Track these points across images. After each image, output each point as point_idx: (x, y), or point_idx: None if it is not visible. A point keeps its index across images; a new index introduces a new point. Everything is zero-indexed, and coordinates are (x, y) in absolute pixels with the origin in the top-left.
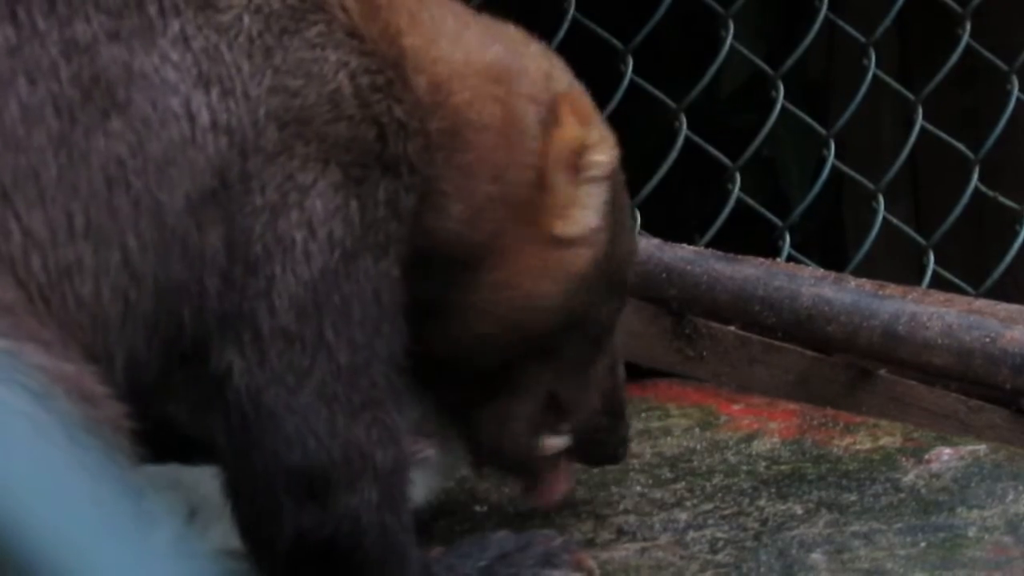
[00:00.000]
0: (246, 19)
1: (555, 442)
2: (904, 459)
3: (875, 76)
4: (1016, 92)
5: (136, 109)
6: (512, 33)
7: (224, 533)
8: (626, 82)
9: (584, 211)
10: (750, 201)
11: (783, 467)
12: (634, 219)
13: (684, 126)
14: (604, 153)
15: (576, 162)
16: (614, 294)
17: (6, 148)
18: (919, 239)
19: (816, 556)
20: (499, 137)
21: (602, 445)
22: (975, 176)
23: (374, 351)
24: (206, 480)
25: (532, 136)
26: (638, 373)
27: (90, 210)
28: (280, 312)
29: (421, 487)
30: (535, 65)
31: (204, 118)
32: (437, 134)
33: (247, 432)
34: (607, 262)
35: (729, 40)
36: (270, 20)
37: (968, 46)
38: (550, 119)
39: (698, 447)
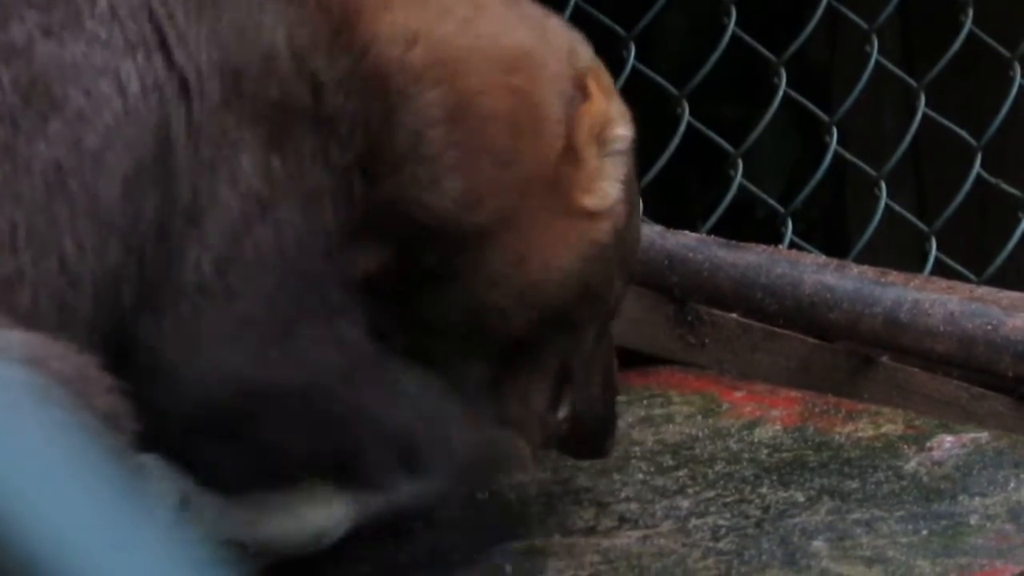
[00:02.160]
0: None
1: (563, 415)
2: (906, 447)
3: (877, 63)
4: (1019, 79)
5: (71, 104)
6: (531, 9)
7: (216, 522)
8: (628, 68)
9: (609, 182)
10: (753, 188)
11: (785, 454)
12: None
13: (687, 113)
14: (626, 126)
15: (602, 135)
16: (624, 271)
17: None
18: (921, 226)
19: (818, 543)
20: (507, 128)
21: (591, 433)
22: (978, 163)
23: (298, 302)
24: None
25: (556, 120)
26: (639, 360)
27: (30, 219)
28: (203, 266)
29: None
30: (558, 43)
31: (135, 86)
32: (434, 107)
33: (153, 383)
34: (624, 236)
35: (731, 27)
36: None
37: (971, 33)
38: (576, 95)
39: (700, 434)
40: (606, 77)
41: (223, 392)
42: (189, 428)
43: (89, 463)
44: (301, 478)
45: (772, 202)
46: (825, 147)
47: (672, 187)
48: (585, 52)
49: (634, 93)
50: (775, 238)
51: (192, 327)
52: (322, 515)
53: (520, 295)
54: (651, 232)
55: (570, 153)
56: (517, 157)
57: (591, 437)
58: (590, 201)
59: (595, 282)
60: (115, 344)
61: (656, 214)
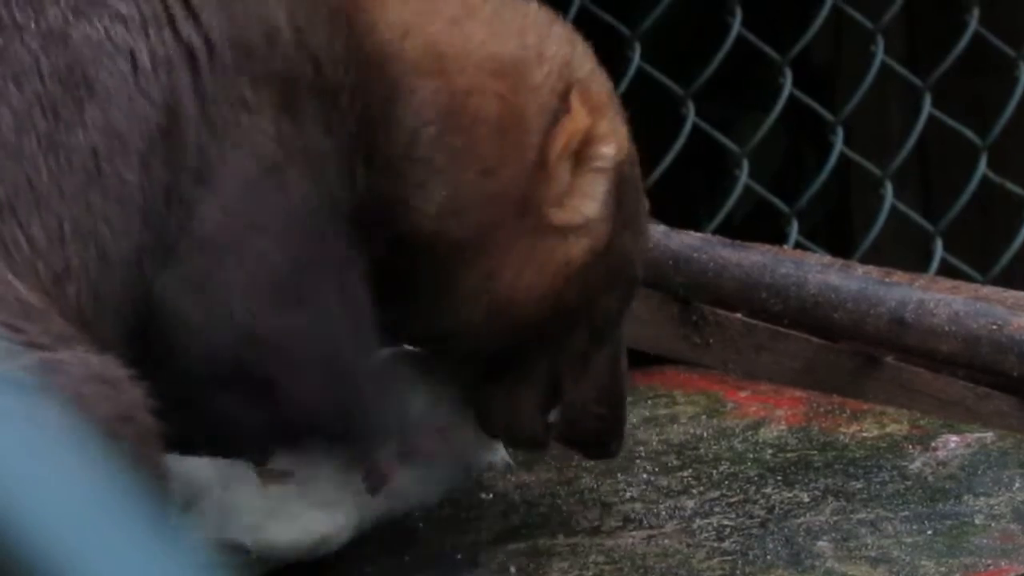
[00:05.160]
0: None
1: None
2: (911, 446)
3: (883, 62)
4: None
5: (102, 86)
6: (534, 16)
7: (220, 525)
8: (633, 68)
9: (583, 200)
10: (757, 187)
11: (790, 454)
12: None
13: (692, 113)
14: (610, 145)
15: (582, 151)
16: (616, 287)
17: (5, 158)
18: (927, 226)
19: (822, 543)
20: (494, 134)
21: (596, 436)
22: (983, 163)
23: (306, 256)
24: (202, 470)
25: (536, 130)
26: (644, 360)
27: (74, 213)
28: (209, 220)
29: (433, 484)
30: (552, 52)
31: (145, 62)
32: (428, 104)
33: (168, 336)
34: (607, 254)
35: (736, 27)
36: None
37: (976, 32)
38: (561, 108)
39: (704, 434)
40: (601, 92)
41: (238, 342)
42: (206, 380)
43: (96, 466)
44: (308, 434)
45: (778, 202)
46: (830, 146)
47: (676, 186)
48: (584, 64)
49: (637, 93)
50: (780, 237)
51: (208, 279)
52: (325, 521)
53: (491, 312)
54: (655, 232)
55: (542, 168)
56: (499, 167)
57: (594, 439)
58: (560, 218)
59: (570, 300)
60: (139, 316)
61: (660, 214)
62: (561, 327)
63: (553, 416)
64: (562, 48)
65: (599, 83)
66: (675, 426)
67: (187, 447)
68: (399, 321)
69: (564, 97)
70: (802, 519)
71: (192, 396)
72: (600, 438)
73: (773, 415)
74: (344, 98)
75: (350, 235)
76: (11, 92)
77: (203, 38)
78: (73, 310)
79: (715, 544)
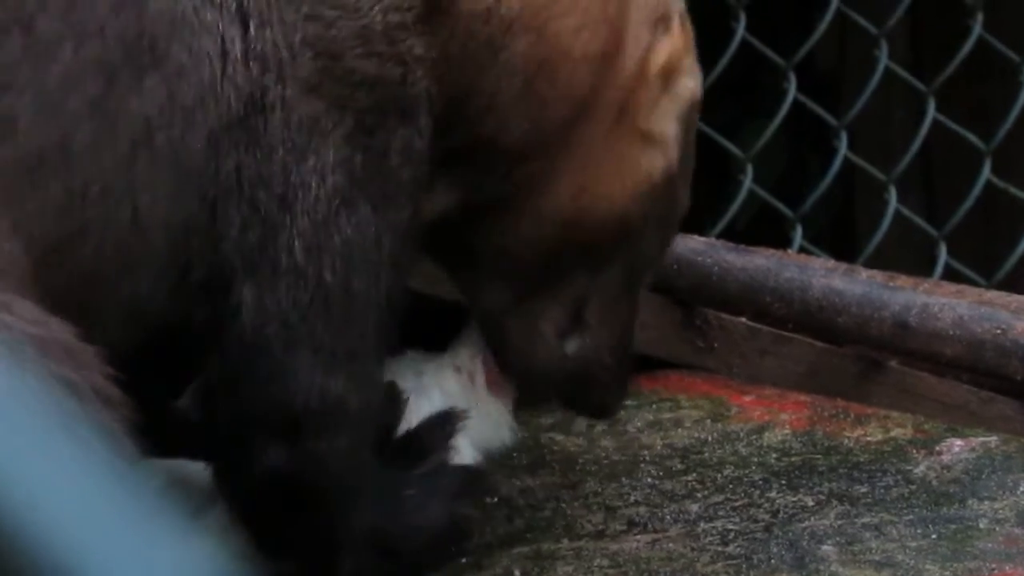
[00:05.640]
0: None
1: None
2: (915, 451)
3: (887, 67)
4: None
5: (172, 60)
6: None
7: (230, 533)
8: None
9: (668, 120)
10: (761, 192)
11: (794, 458)
12: None
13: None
14: (695, 81)
15: (670, 75)
16: (661, 229)
17: (42, 114)
18: (931, 230)
19: (827, 548)
20: (598, 65)
21: (601, 389)
22: (987, 168)
23: (369, 299)
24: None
25: (639, 44)
26: (648, 364)
27: (108, 176)
28: (296, 250)
29: (468, 448)
30: None
31: (237, 50)
32: (518, 57)
33: (240, 366)
34: (670, 185)
35: (740, 32)
36: None
37: (980, 37)
38: (661, 26)
39: (709, 438)
40: (690, 30)
41: (307, 393)
42: (249, 410)
43: (97, 466)
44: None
45: (782, 207)
46: (834, 151)
47: None
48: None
49: None
50: (784, 242)
51: (288, 312)
52: None
53: (568, 223)
54: None
55: (640, 77)
56: (593, 94)
57: (597, 392)
58: (646, 124)
59: (635, 222)
60: (183, 299)
61: None
62: (613, 250)
63: (571, 346)
64: None
65: (689, 24)
66: (679, 430)
67: (195, 454)
68: (468, 238)
69: (666, 17)
70: (806, 523)
71: (223, 420)
72: (603, 393)
73: (777, 419)
74: (428, 112)
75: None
76: (66, 51)
77: (288, 43)
78: (87, 272)
79: (719, 548)
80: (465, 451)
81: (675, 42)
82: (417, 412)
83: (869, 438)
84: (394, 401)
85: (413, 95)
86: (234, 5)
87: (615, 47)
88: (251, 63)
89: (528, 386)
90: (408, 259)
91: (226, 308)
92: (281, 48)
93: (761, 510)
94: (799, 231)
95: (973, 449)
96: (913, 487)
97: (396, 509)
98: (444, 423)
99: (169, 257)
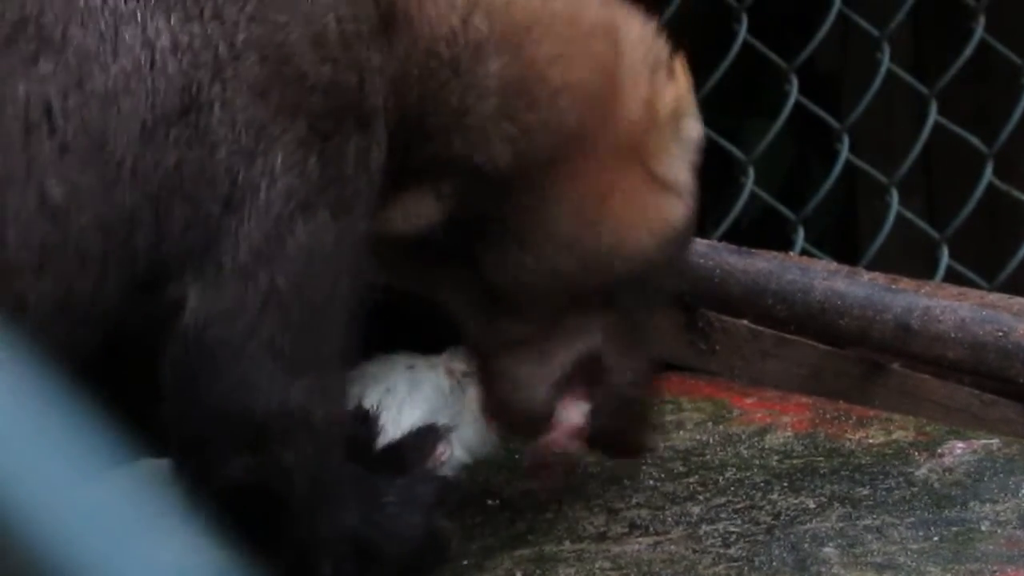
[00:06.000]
0: None
1: (573, 412)
2: (917, 453)
3: (889, 70)
4: None
5: (73, 45)
6: None
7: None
8: None
9: (680, 162)
10: (763, 195)
11: (796, 461)
12: None
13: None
14: (696, 125)
15: (676, 119)
16: (677, 270)
17: None
18: (933, 233)
19: (828, 550)
20: (581, 101)
21: (627, 427)
22: (989, 170)
23: (329, 307)
24: None
25: (637, 89)
26: None
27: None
28: (241, 253)
29: (458, 450)
30: (638, 20)
31: (164, 41)
32: (493, 80)
33: (191, 369)
34: (687, 229)
35: (742, 34)
36: None
37: (982, 40)
38: (662, 69)
39: (711, 441)
40: (688, 74)
41: (267, 403)
42: (209, 419)
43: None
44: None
45: (784, 209)
46: (836, 154)
47: None
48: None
49: None
50: (786, 244)
51: (237, 316)
52: None
53: (586, 260)
54: None
55: (649, 120)
56: (582, 129)
57: (629, 429)
58: (663, 171)
59: (656, 266)
60: (131, 293)
61: None
62: (631, 295)
63: (584, 408)
64: (639, 16)
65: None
66: (681, 432)
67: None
68: (485, 269)
69: (664, 61)
70: (808, 525)
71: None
72: (636, 429)
73: (779, 421)
74: (387, 121)
75: (401, 218)
76: None
77: (229, 41)
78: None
79: (721, 550)
80: (455, 452)
81: (680, 86)
82: (409, 409)
83: (871, 440)
84: (367, 417)
85: (371, 105)
86: None
87: (608, 85)
88: (181, 55)
89: (511, 423)
90: (368, 269)
91: (172, 308)
92: (219, 45)
93: (763, 512)
94: (801, 233)
95: (975, 451)
96: (915, 489)
97: (376, 516)
98: (428, 435)
99: (105, 251)
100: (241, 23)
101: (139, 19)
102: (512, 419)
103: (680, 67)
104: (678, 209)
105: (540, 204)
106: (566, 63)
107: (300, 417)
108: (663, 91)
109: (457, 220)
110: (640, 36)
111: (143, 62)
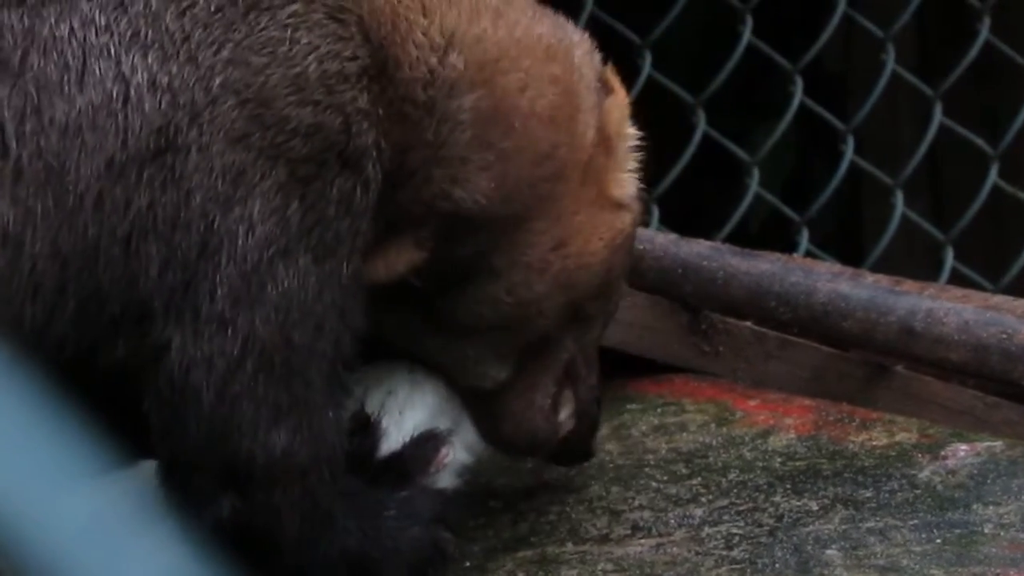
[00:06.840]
0: None
1: (564, 416)
2: (920, 455)
3: (894, 71)
4: None
5: (35, 74)
6: (533, 6)
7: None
8: (644, 77)
9: (629, 176)
10: (768, 196)
11: (799, 463)
12: (651, 214)
13: (703, 121)
14: (635, 132)
15: (622, 130)
16: (626, 272)
17: None
18: (937, 234)
19: (831, 552)
20: (551, 122)
21: (588, 436)
22: (994, 172)
23: (313, 351)
24: None
25: (588, 108)
26: (653, 368)
27: None
28: (219, 298)
29: (460, 451)
30: (578, 36)
31: (140, 77)
32: (465, 112)
33: (176, 410)
34: (635, 232)
35: (747, 36)
36: None
37: (987, 41)
38: (600, 87)
39: (714, 443)
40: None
41: (251, 447)
42: (194, 458)
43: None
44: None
45: (788, 211)
46: (841, 155)
47: (687, 195)
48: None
49: (647, 101)
50: (790, 246)
51: (217, 360)
52: None
53: (558, 281)
54: (665, 240)
55: (602, 143)
56: (553, 151)
57: (582, 438)
58: (619, 190)
59: (616, 273)
60: (111, 317)
61: (670, 222)
62: (598, 304)
63: (565, 411)
64: (578, 32)
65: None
66: (684, 434)
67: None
68: (461, 312)
69: (601, 77)
70: (811, 527)
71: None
72: (588, 439)
73: (782, 423)
74: (371, 162)
75: (381, 265)
76: None
77: (205, 86)
78: None
79: (724, 552)
80: (457, 455)
81: (619, 97)
82: (411, 411)
83: (874, 443)
84: (367, 424)
85: (358, 145)
86: (129, 33)
87: (570, 108)
88: (159, 96)
89: (517, 451)
90: (358, 308)
91: (153, 347)
92: (195, 89)
93: (766, 514)
94: (805, 235)
95: (978, 454)
96: (918, 492)
97: (375, 532)
98: (429, 441)
99: (63, 280)
100: (217, 66)
101: (112, 53)
102: (519, 451)
103: (613, 77)
104: (628, 217)
105: (514, 233)
106: (534, 92)
107: (284, 460)
108: (609, 108)
109: (433, 264)
110: (585, 52)
111: (115, 97)
